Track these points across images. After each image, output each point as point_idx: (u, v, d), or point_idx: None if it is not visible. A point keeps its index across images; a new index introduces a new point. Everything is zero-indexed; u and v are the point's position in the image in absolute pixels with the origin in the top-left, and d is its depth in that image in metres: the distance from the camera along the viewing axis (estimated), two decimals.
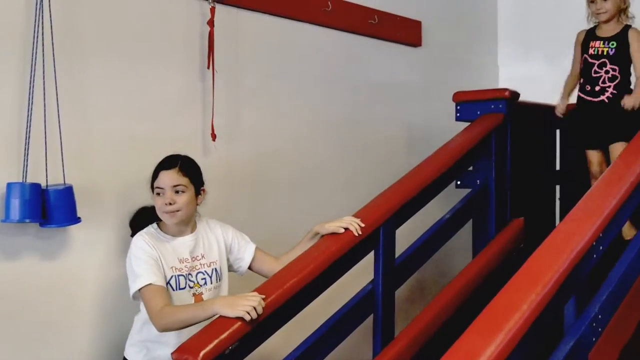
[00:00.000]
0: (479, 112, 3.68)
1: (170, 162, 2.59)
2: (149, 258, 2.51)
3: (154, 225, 2.65)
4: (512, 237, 3.58)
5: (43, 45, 2.61)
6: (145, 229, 2.63)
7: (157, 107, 3.05)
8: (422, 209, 3.17)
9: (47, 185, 2.59)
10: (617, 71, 3.58)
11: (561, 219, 2.61)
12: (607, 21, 3.62)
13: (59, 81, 2.64)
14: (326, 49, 3.88)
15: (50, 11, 2.63)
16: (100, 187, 2.82)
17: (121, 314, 2.77)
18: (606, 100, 3.60)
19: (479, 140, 3.49)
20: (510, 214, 3.68)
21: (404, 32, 4.32)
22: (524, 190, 3.84)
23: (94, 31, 2.84)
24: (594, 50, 3.65)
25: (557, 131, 4.21)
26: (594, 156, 3.71)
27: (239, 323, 2.23)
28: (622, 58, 3.59)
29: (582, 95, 3.69)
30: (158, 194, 2.57)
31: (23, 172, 2.56)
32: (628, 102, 3.48)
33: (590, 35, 3.69)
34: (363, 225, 2.74)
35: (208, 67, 3.17)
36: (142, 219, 2.69)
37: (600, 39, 3.64)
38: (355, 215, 2.80)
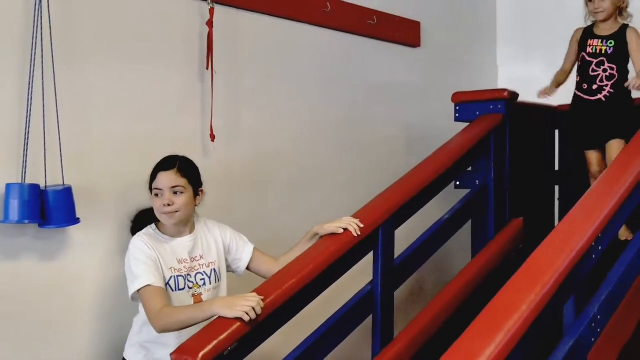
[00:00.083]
0: (478, 113, 3.69)
1: (168, 163, 2.59)
2: (147, 259, 2.51)
3: (153, 226, 2.65)
4: (512, 238, 3.58)
5: (42, 46, 2.61)
6: (143, 230, 2.63)
7: (156, 107, 3.05)
8: (422, 210, 3.18)
9: (46, 186, 2.59)
10: (615, 70, 3.58)
11: (560, 219, 2.62)
12: (604, 20, 3.63)
13: (58, 82, 2.64)
14: (325, 49, 3.88)
15: (49, 12, 2.63)
16: (100, 187, 2.82)
17: (120, 315, 2.77)
18: (603, 99, 3.60)
19: (478, 141, 3.50)
20: (510, 214, 3.68)
21: (403, 32, 4.32)
22: (523, 191, 3.84)
23: (93, 32, 2.84)
24: (592, 49, 3.65)
25: (556, 132, 4.21)
26: (592, 156, 3.72)
27: (238, 324, 2.23)
28: (620, 57, 3.60)
29: (579, 94, 3.69)
30: (156, 195, 2.57)
31: (22, 173, 2.55)
32: (635, 82, 3.45)
33: (588, 34, 3.69)
34: (362, 225, 2.74)
35: (207, 68, 3.17)
36: (142, 222, 2.69)
37: (598, 37, 3.65)
38: (355, 216, 2.80)
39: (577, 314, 2.37)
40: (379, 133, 4.17)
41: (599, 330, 2.40)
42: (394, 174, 3.27)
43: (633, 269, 2.66)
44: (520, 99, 3.75)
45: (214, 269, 2.68)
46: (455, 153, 3.39)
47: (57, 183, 2.63)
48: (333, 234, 2.70)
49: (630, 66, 3.65)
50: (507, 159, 3.69)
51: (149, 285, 2.45)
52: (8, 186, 2.51)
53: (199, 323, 2.33)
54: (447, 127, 3.80)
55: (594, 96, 3.63)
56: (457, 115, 3.77)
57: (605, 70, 3.60)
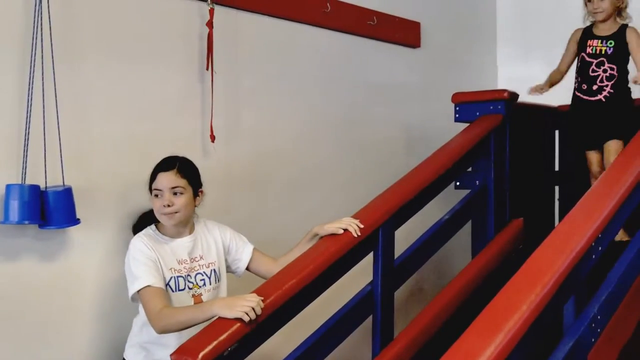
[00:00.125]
0: (478, 113, 3.69)
1: (168, 164, 2.59)
2: (147, 260, 2.51)
3: (152, 226, 2.65)
4: (512, 238, 3.58)
5: (42, 46, 2.61)
6: (143, 231, 2.63)
7: (156, 108, 3.05)
8: (421, 210, 3.17)
9: (46, 187, 2.59)
10: (615, 70, 3.58)
11: (560, 219, 2.62)
12: (603, 20, 3.63)
13: (58, 82, 2.64)
14: (325, 50, 3.88)
15: (49, 12, 2.63)
16: (100, 188, 2.82)
17: (120, 315, 2.77)
18: (603, 100, 3.60)
19: (478, 141, 3.50)
20: (510, 214, 3.68)
21: (403, 33, 4.32)
22: (523, 191, 3.84)
23: (93, 32, 2.84)
24: (591, 49, 3.65)
25: (556, 132, 4.21)
26: (593, 157, 3.72)
27: (238, 324, 2.23)
28: (620, 57, 3.60)
29: (579, 95, 3.69)
30: (156, 195, 2.58)
31: (22, 174, 2.55)
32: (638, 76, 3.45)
33: (587, 34, 3.69)
34: (362, 226, 2.74)
35: (207, 69, 3.17)
36: (145, 224, 2.69)
37: (598, 37, 3.64)
38: (354, 216, 2.80)
39: (577, 314, 2.37)
40: (378, 133, 4.17)
41: (599, 330, 2.40)
42: (394, 175, 3.27)
43: (633, 269, 2.66)
44: (520, 99, 3.75)
45: (214, 270, 2.68)
46: (455, 153, 3.39)
47: (57, 184, 2.63)
48: (333, 235, 2.70)
49: (630, 66, 3.65)
50: (507, 159, 3.69)
51: (148, 286, 2.45)
52: (8, 187, 2.51)
53: (199, 324, 2.33)
54: (447, 128, 3.80)
55: (594, 96, 3.63)
56: (457, 115, 3.77)
57: (605, 71, 3.60)
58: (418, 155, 3.52)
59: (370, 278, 2.90)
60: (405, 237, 3.16)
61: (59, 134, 2.65)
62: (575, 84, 3.73)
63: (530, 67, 4.28)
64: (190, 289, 2.61)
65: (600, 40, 3.64)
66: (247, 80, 3.43)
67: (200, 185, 2.67)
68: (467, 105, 3.73)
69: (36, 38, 2.60)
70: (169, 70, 3.10)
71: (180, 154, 2.67)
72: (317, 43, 3.82)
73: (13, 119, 2.58)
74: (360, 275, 2.92)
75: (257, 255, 2.78)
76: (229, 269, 2.79)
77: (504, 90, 3.69)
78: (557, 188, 4.25)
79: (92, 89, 2.83)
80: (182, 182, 2.57)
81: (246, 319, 2.23)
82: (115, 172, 2.88)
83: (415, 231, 3.24)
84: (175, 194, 2.56)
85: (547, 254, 2.30)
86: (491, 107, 3.67)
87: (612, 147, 3.54)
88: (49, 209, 2.56)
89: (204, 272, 2.66)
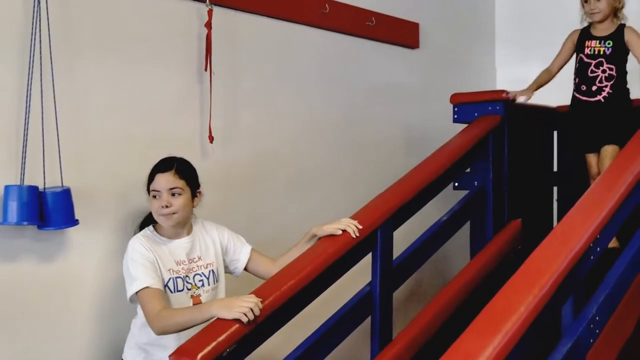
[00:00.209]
0: (476, 114, 3.69)
1: (166, 165, 2.59)
2: (145, 261, 2.51)
3: (150, 227, 2.65)
4: (510, 239, 3.58)
5: (41, 47, 2.61)
6: (141, 232, 2.63)
7: (155, 109, 3.05)
8: (420, 211, 3.18)
9: (44, 188, 2.59)
10: (614, 70, 3.58)
11: (559, 220, 2.61)
12: (601, 21, 3.62)
13: (56, 83, 2.64)
14: (324, 50, 3.88)
15: (47, 13, 2.63)
16: (98, 189, 2.82)
17: (119, 316, 2.77)
18: (602, 100, 3.59)
19: (476, 142, 3.50)
20: (508, 215, 3.68)
21: (402, 34, 4.32)
22: (521, 192, 3.84)
23: (91, 33, 2.84)
24: (590, 50, 3.64)
25: (555, 133, 4.22)
26: (592, 159, 3.71)
27: (237, 325, 2.23)
28: (618, 57, 3.59)
29: (578, 96, 3.68)
30: (154, 196, 2.58)
31: (21, 175, 2.55)
32: None
33: (585, 35, 3.69)
34: (361, 227, 2.73)
35: (205, 69, 3.17)
36: (149, 225, 2.69)
37: (596, 38, 3.64)
38: (353, 217, 2.80)
39: (575, 315, 2.37)
40: (377, 134, 4.17)
41: (597, 331, 2.40)
42: (393, 175, 3.28)
43: (631, 270, 2.66)
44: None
45: (212, 270, 2.68)
46: (453, 154, 3.39)
47: (55, 184, 2.63)
48: (331, 235, 2.70)
49: (628, 66, 3.64)
50: (505, 160, 3.69)
51: (147, 287, 2.45)
52: (7, 188, 2.51)
53: (197, 325, 2.33)
54: (446, 128, 3.80)
55: (593, 97, 3.62)
56: (456, 116, 3.77)
57: (604, 71, 3.60)
58: (417, 156, 3.52)
59: (369, 279, 2.90)
60: (404, 237, 3.16)
61: (57, 134, 2.65)
62: (574, 85, 3.72)
63: (529, 68, 4.26)
64: (188, 289, 2.61)
65: (598, 41, 3.63)
66: (245, 81, 3.43)
67: (198, 186, 2.67)
68: (465, 106, 3.74)
69: (35, 39, 2.60)
70: (167, 71, 3.10)
71: (179, 155, 2.67)
72: (315, 44, 3.82)
73: (12, 119, 2.58)
74: (359, 276, 2.92)
75: (255, 256, 2.78)
76: (227, 270, 2.79)
77: (503, 91, 3.69)
78: (555, 189, 4.25)
79: (91, 90, 2.83)
80: (180, 182, 2.57)
81: (245, 319, 2.23)
82: (114, 173, 2.88)
83: (414, 232, 3.24)
84: (173, 194, 2.56)
85: (545, 255, 2.30)
86: (490, 108, 3.68)
87: (608, 151, 3.54)
88: (48, 210, 2.56)
89: (203, 273, 2.66)
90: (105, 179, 2.85)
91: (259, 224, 3.39)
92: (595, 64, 3.61)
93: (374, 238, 2.86)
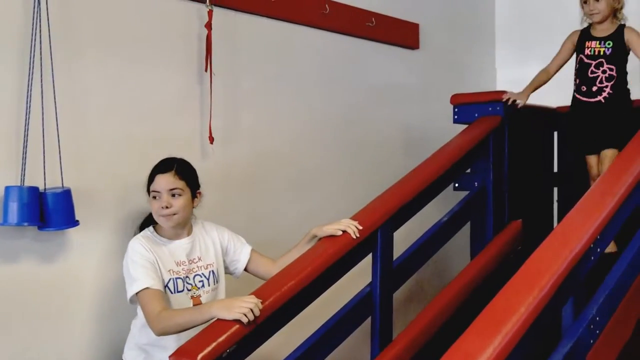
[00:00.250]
0: (476, 115, 3.69)
1: (166, 166, 2.59)
2: (145, 262, 2.51)
3: (150, 228, 2.65)
4: (510, 240, 3.58)
5: (41, 47, 2.61)
6: (141, 233, 2.63)
7: (155, 109, 3.05)
8: (420, 212, 3.18)
9: (45, 189, 2.59)
10: (614, 71, 3.57)
11: (559, 221, 2.62)
12: (600, 22, 3.62)
13: (57, 84, 2.64)
14: (324, 51, 3.88)
15: (47, 13, 2.63)
16: (99, 189, 2.82)
17: (120, 317, 2.77)
18: (602, 101, 3.58)
19: (476, 143, 3.50)
20: (508, 216, 3.68)
21: (402, 34, 4.32)
22: (521, 193, 3.84)
23: (91, 34, 2.84)
24: (590, 51, 3.63)
25: (555, 133, 4.21)
26: (593, 160, 3.70)
27: (237, 326, 2.23)
28: (618, 57, 3.59)
29: (578, 97, 3.67)
30: (154, 197, 2.58)
31: (21, 175, 2.56)
32: None
33: (585, 36, 3.68)
34: (361, 227, 2.73)
35: (206, 70, 3.17)
36: (149, 225, 2.69)
37: (596, 39, 3.63)
38: (353, 218, 2.80)
39: (575, 315, 2.37)
40: (377, 135, 4.17)
41: (597, 332, 2.40)
42: (393, 176, 3.28)
43: (631, 271, 2.66)
44: None
45: (212, 271, 2.68)
46: (454, 155, 3.39)
47: (56, 185, 2.64)
48: (332, 236, 2.70)
49: (629, 67, 3.64)
50: (505, 160, 3.69)
51: (147, 288, 2.45)
52: (7, 189, 2.51)
53: (197, 325, 2.33)
54: (446, 129, 3.80)
55: (593, 98, 3.61)
56: (456, 117, 3.77)
57: (604, 72, 3.59)
58: (417, 157, 3.52)
59: (369, 279, 2.90)
60: (404, 238, 3.16)
61: (58, 135, 2.65)
62: (574, 86, 3.72)
63: (529, 69, 4.26)
64: (189, 290, 2.61)
65: (598, 42, 3.63)
66: (245, 81, 3.43)
67: (198, 186, 2.67)
68: (465, 107, 3.74)
69: (35, 39, 2.60)
70: (167, 71, 3.11)
71: (179, 155, 2.67)
72: (315, 44, 3.83)
73: (12, 120, 2.58)
74: (359, 277, 2.92)
75: (256, 257, 2.79)
76: (227, 270, 2.79)
77: (503, 92, 3.69)
78: (555, 189, 4.25)
79: (91, 91, 2.83)
80: (180, 183, 2.57)
81: (245, 320, 2.23)
82: (115, 174, 2.88)
83: (414, 232, 3.24)
84: (173, 195, 2.56)
85: (545, 256, 2.30)
86: (490, 109, 3.67)
87: (608, 155, 3.54)
88: (48, 211, 2.57)
89: (203, 274, 2.66)
90: (106, 179, 2.85)
91: (259, 224, 3.39)
92: (596, 64, 3.61)
93: (374, 239, 2.86)
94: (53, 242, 2.70)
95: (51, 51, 2.63)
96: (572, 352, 2.26)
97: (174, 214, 2.56)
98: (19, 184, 2.54)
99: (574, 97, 3.71)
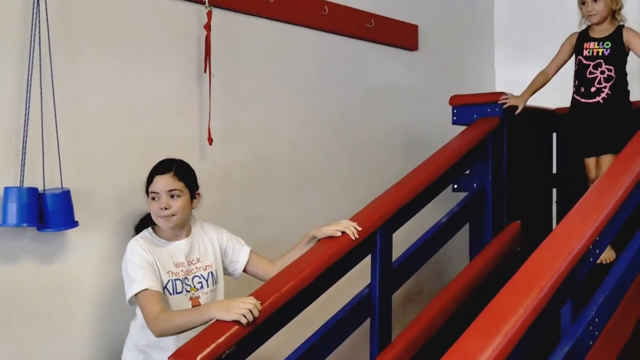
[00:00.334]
0: (475, 116, 3.69)
1: (165, 167, 2.59)
2: (144, 263, 2.51)
3: (149, 229, 2.65)
4: (509, 241, 3.58)
5: (40, 49, 2.61)
6: (140, 234, 2.63)
7: (154, 110, 3.05)
8: (419, 213, 3.18)
9: (44, 189, 2.59)
10: (613, 71, 3.56)
11: (558, 222, 2.61)
12: (599, 23, 3.62)
13: (56, 85, 2.64)
14: (323, 52, 3.88)
15: (47, 14, 2.63)
16: (98, 190, 2.82)
17: (119, 318, 2.77)
18: (601, 101, 3.58)
19: (475, 144, 3.50)
20: (507, 217, 3.68)
21: (401, 35, 4.32)
22: (520, 194, 3.84)
23: (91, 35, 2.84)
24: (588, 52, 3.63)
25: (554, 134, 4.21)
26: (591, 163, 3.69)
27: (236, 327, 2.23)
28: (617, 58, 3.58)
29: (577, 98, 3.67)
30: (153, 198, 2.58)
31: (20, 176, 2.55)
32: None
33: (583, 37, 3.67)
34: (360, 228, 2.73)
35: (205, 71, 3.17)
36: (146, 226, 2.69)
37: (594, 39, 3.63)
38: (352, 219, 2.80)
39: (574, 317, 2.37)
40: (376, 136, 4.17)
41: (596, 333, 2.40)
42: (392, 177, 3.28)
43: (630, 272, 2.66)
44: None
45: (211, 272, 2.68)
46: (452, 156, 3.39)
47: (55, 186, 2.63)
48: (331, 237, 2.70)
49: (628, 68, 3.63)
50: (504, 161, 3.69)
51: (146, 289, 2.45)
52: (6, 189, 2.51)
53: (197, 327, 2.33)
54: (445, 130, 3.80)
55: (592, 99, 3.60)
56: (455, 118, 3.77)
57: (602, 72, 3.58)
58: (416, 158, 3.52)
59: (368, 281, 2.90)
60: (403, 239, 3.16)
61: (57, 136, 2.65)
62: (573, 87, 3.71)
63: (528, 70, 4.27)
64: (187, 291, 2.61)
65: (596, 42, 3.62)
66: (244, 82, 3.44)
67: (197, 187, 2.67)
68: (464, 108, 3.74)
69: (34, 41, 2.60)
70: (167, 72, 3.11)
71: (178, 156, 2.67)
72: (314, 46, 3.83)
73: (11, 121, 2.58)
74: (358, 278, 2.92)
75: (254, 258, 2.78)
76: (226, 271, 2.79)
77: (502, 93, 3.69)
78: (554, 191, 4.25)
79: (90, 92, 2.83)
80: (179, 184, 2.57)
81: (244, 321, 2.23)
82: (114, 175, 2.88)
83: (413, 234, 3.24)
84: (172, 196, 2.56)
85: (545, 257, 2.30)
86: (489, 110, 3.67)
87: (607, 160, 3.53)
88: (47, 212, 2.57)
89: (202, 275, 2.66)
90: (105, 180, 2.85)
91: (258, 225, 3.39)
92: (594, 65, 3.60)
93: (373, 240, 2.86)
94: (52, 243, 2.69)
95: (50, 52, 2.63)
96: (571, 353, 2.26)
97: (173, 215, 2.56)
98: (18, 185, 2.54)
99: (573, 98, 3.70)
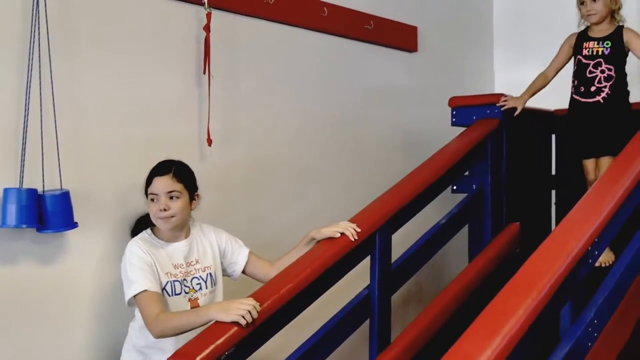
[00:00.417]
0: (474, 117, 3.69)
1: (164, 168, 2.59)
2: (143, 264, 2.51)
3: (148, 230, 2.65)
4: (508, 242, 3.58)
5: (39, 49, 2.61)
6: (139, 235, 2.63)
7: (153, 111, 3.05)
8: (418, 214, 3.18)
9: (43, 191, 2.59)
10: (613, 71, 3.55)
11: (557, 223, 2.61)
12: (598, 23, 3.61)
13: (55, 86, 2.64)
14: (322, 54, 3.88)
15: (46, 14, 2.63)
16: (97, 192, 2.82)
17: (118, 319, 2.77)
18: (601, 101, 3.56)
19: (474, 145, 3.50)
20: (506, 218, 3.68)
21: (400, 37, 4.32)
22: (519, 195, 3.84)
23: (90, 36, 2.84)
24: (588, 51, 3.62)
25: (553, 136, 4.22)
26: (590, 165, 3.68)
27: (235, 328, 2.23)
28: (617, 57, 3.57)
29: (577, 98, 3.66)
30: (152, 199, 2.58)
31: (20, 177, 2.55)
32: None
33: (583, 37, 3.67)
34: (359, 230, 2.73)
35: (204, 72, 3.17)
36: (142, 228, 2.69)
37: (594, 39, 3.62)
38: (352, 220, 2.80)
39: (574, 318, 2.37)
40: (375, 137, 4.17)
41: (595, 334, 2.40)
42: (391, 178, 3.28)
43: (629, 273, 2.66)
44: None
45: (210, 273, 2.68)
46: (452, 157, 3.39)
47: (54, 187, 2.63)
48: (330, 238, 2.70)
49: (628, 68, 3.63)
50: (504, 163, 3.69)
51: (145, 290, 2.45)
52: (5, 191, 2.51)
53: (195, 328, 2.33)
54: (444, 132, 3.80)
55: (592, 98, 3.59)
56: (454, 119, 3.77)
57: (602, 72, 3.57)
58: (415, 159, 3.52)
59: (367, 282, 2.90)
60: (402, 240, 3.16)
61: (56, 137, 2.65)
62: (572, 87, 3.70)
63: (527, 71, 4.28)
64: (186, 293, 2.61)
65: (596, 42, 3.61)
66: (244, 84, 3.44)
67: (196, 189, 2.67)
68: (464, 109, 3.74)
69: (34, 41, 2.60)
70: (166, 73, 3.11)
71: (177, 158, 2.67)
72: (314, 47, 3.83)
73: (11, 121, 2.58)
74: (357, 279, 2.92)
75: (253, 259, 2.78)
76: (224, 273, 2.79)
77: (501, 94, 3.69)
78: (553, 192, 4.25)
79: (90, 92, 2.83)
80: (178, 186, 2.57)
81: (243, 322, 2.23)
82: (113, 176, 2.88)
83: (413, 235, 3.24)
84: (171, 198, 2.56)
85: (544, 258, 2.30)
86: (488, 111, 3.68)
87: (605, 162, 3.53)
88: (47, 213, 2.56)
89: (200, 276, 2.66)
90: (104, 181, 2.85)
91: (258, 226, 3.39)
92: (594, 64, 3.59)
93: (372, 241, 2.86)
94: (52, 244, 2.69)
95: (50, 52, 2.63)
96: (570, 355, 2.26)
97: (172, 217, 2.56)
98: (17, 186, 2.54)
99: (572, 98, 3.69)
